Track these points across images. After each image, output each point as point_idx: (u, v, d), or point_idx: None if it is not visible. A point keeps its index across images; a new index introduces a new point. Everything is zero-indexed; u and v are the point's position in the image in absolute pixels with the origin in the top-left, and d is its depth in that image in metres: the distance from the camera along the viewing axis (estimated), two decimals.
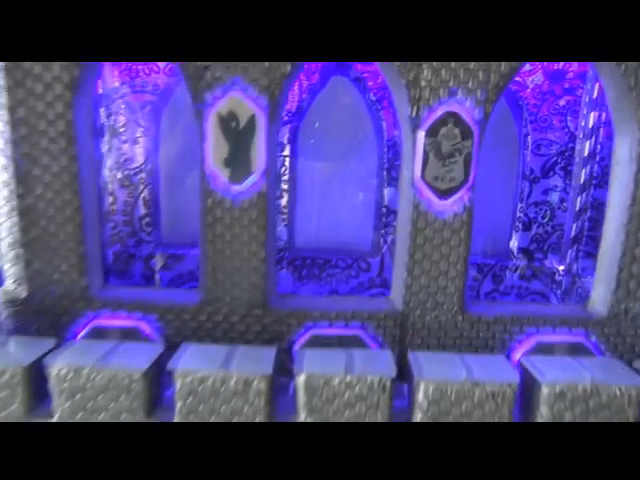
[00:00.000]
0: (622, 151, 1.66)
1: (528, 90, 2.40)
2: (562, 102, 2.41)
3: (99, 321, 1.76)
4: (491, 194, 2.60)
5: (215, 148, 1.60)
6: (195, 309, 1.75)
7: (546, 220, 2.55)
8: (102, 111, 2.36)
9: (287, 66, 1.54)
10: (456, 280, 1.72)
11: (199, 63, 1.53)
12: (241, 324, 1.76)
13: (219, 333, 1.76)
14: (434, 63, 1.54)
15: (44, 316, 1.70)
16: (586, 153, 2.36)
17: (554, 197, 2.55)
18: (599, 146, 2.36)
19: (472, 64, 1.54)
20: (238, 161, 1.61)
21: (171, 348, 1.56)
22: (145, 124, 2.41)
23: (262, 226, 1.67)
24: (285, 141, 2.47)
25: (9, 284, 1.71)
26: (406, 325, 1.76)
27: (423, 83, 1.55)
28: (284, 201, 2.53)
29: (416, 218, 1.66)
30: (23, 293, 1.70)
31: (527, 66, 2.35)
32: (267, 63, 1.53)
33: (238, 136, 1.59)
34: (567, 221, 2.56)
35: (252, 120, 1.58)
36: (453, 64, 1.54)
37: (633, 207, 1.64)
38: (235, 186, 1.64)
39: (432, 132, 1.59)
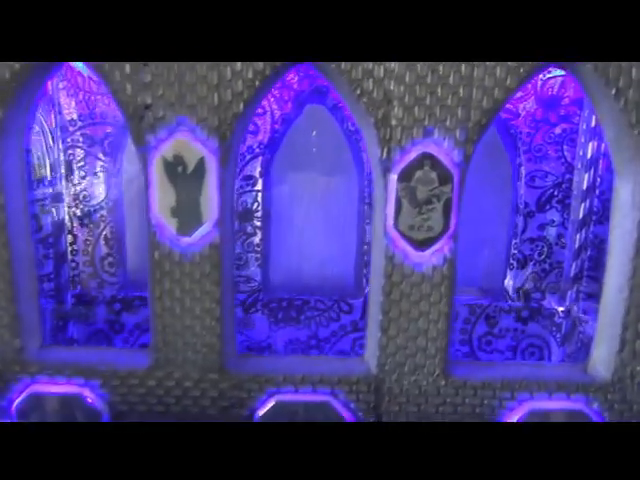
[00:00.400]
0: (623, 195, 1.46)
1: (520, 118, 2.21)
2: (558, 130, 2.22)
3: (37, 387, 1.56)
4: (484, 229, 2.41)
5: (161, 196, 1.42)
6: (144, 373, 1.55)
7: (543, 257, 2.35)
8: (58, 145, 2.19)
9: (239, 105, 1.36)
10: (437, 340, 1.51)
11: (139, 101, 1.35)
12: (195, 390, 1.56)
13: (171, 400, 1.56)
14: (406, 100, 1.35)
15: None
16: (585, 186, 2.16)
17: (551, 232, 2.35)
18: (599, 179, 2.16)
19: (449, 101, 1.35)
20: (187, 210, 1.42)
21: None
22: (105, 158, 2.24)
23: (216, 281, 1.47)
24: (257, 175, 2.28)
25: None
26: (382, 391, 1.55)
27: (394, 122, 1.36)
28: (257, 239, 2.34)
29: (390, 271, 1.46)
30: None
31: (518, 93, 2.16)
32: (216, 102, 1.35)
33: (186, 182, 1.40)
34: (566, 258, 2.35)
35: (201, 164, 1.39)
36: (428, 100, 1.35)
37: (637, 259, 1.44)
38: (184, 238, 1.45)
39: (406, 176, 1.40)
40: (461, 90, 1.35)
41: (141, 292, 2.34)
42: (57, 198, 2.19)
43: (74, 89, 2.15)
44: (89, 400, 1.56)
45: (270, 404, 1.56)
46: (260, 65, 1.34)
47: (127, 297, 2.33)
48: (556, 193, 2.28)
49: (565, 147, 2.23)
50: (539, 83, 2.16)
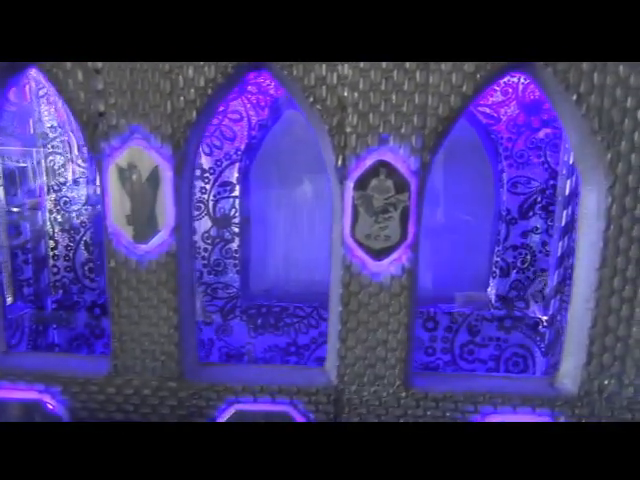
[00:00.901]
0: (589, 204, 1.41)
1: (501, 123, 2.16)
2: (540, 135, 2.17)
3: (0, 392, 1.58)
4: (467, 236, 2.36)
5: (116, 204, 1.42)
6: (103, 380, 1.55)
7: (526, 265, 2.29)
8: (37, 151, 2.22)
9: (192, 113, 1.35)
10: (397, 351, 1.48)
11: (92, 109, 1.35)
12: (154, 398, 1.55)
13: (130, 407, 1.56)
14: (360, 107, 1.33)
15: None
16: (567, 192, 2.11)
17: (535, 240, 2.30)
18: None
19: (404, 108, 1.32)
20: (142, 218, 1.42)
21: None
22: (85, 164, 2.25)
23: (173, 289, 1.47)
24: (234, 181, 2.28)
25: None
26: (341, 402, 1.52)
27: (348, 129, 1.34)
28: (235, 245, 2.33)
29: (348, 281, 1.44)
30: None
31: (497, 96, 2.12)
32: (169, 110, 1.35)
33: (141, 191, 1.40)
34: (550, 266, 2.29)
35: (155, 173, 1.39)
36: (382, 107, 1.33)
37: (602, 269, 1.39)
38: (141, 245, 1.44)
39: (361, 184, 1.38)
40: (416, 97, 1.33)
41: None
42: (37, 204, 2.22)
43: (54, 97, 2.17)
44: (50, 406, 1.56)
45: (230, 413, 1.55)
46: (212, 72, 1.33)
47: (107, 302, 2.35)
48: (539, 199, 2.22)
49: (548, 152, 2.18)
50: (520, 87, 2.12)
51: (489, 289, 2.36)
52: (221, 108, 2.16)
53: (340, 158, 1.37)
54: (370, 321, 1.47)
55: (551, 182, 2.23)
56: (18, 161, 2.10)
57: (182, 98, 1.35)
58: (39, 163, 2.21)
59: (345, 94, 1.33)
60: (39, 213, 2.23)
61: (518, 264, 2.28)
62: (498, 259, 2.29)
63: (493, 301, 2.34)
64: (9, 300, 2.18)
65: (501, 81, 2.07)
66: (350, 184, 1.38)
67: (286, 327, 2.37)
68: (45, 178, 2.26)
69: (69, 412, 1.57)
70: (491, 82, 1.36)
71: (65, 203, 2.29)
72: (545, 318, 2.32)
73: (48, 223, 2.32)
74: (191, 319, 1.57)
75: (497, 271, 2.30)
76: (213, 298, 2.35)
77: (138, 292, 1.48)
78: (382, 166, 1.37)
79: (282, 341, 2.39)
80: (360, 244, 1.42)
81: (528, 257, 2.28)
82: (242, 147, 2.22)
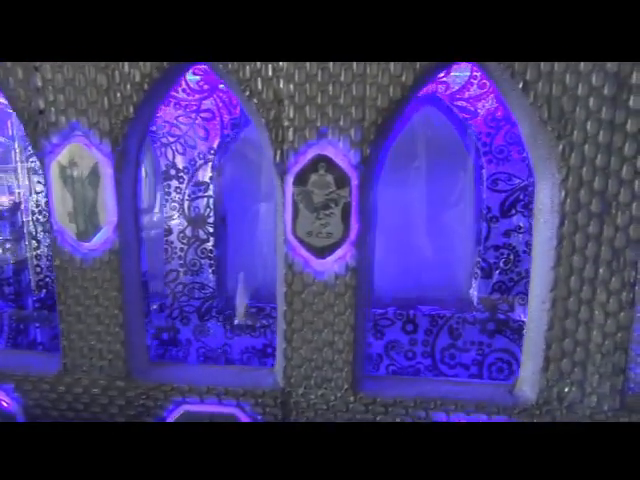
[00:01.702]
0: (543, 199, 1.33)
1: (479, 117, 2.08)
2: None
3: None
4: (447, 235, 2.29)
5: (58, 201, 1.42)
6: (54, 378, 1.55)
7: (509, 266, 2.20)
8: (17, 152, 2.26)
9: (129, 109, 1.34)
10: (344, 353, 1.43)
11: (33, 106, 1.36)
12: (103, 397, 1.54)
13: (80, 406, 1.56)
14: (296, 99, 1.29)
15: None
16: None
17: (518, 239, 2.20)
18: None
19: (342, 99, 1.28)
20: (84, 215, 1.41)
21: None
22: None
23: (117, 287, 1.46)
24: (208, 180, 2.27)
25: None
26: (288, 405, 1.48)
27: (286, 123, 1.30)
28: (210, 245, 2.32)
29: (291, 279, 1.40)
30: None
31: (474, 89, 2.04)
32: (107, 105, 1.34)
33: (82, 188, 1.40)
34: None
35: (95, 169, 1.38)
36: (319, 99, 1.29)
37: (557, 268, 1.30)
38: (84, 243, 1.44)
39: (301, 180, 1.33)
40: (354, 88, 1.28)
41: None
42: (16, 205, 2.26)
43: None
44: (4, 404, 1.58)
45: (178, 414, 1.52)
46: (147, 68, 1.32)
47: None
48: (522, 197, 2.13)
49: None
50: None
51: (470, 290, 2.27)
52: (194, 107, 2.16)
53: (278, 153, 1.33)
54: (315, 321, 1.42)
55: (533, 179, 2.13)
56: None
57: (119, 94, 1.34)
58: (21, 165, 2.26)
59: (281, 86, 1.29)
60: (19, 213, 2.27)
61: (501, 265, 2.18)
62: (479, 259, 2.20)
63: (475, 303, 2.25)
64: None
65: (476, 73, 1.99)
66: (290, 179, 1.34)
67: (262, 328, 2.34)
68: (26, 179, 2.30)
69: (23, 410, 1.58)
70: (433, 73, 1.30)
71: (46, 204, 2.32)
72: None
73: (30, 224, 2.36)
74: (139, 318, 1.56)
75: (479, 272, 2.21)
76: (190, 298, 2.34)
77: (84, 290, 1.47)
78: (321, 160, 1.32)
79: (259, 342, 2.36)
80: (302, 241, 1.38)
81: (511, 257, 2.18)
82: (215, 146, 2.21)
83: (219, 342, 2.38)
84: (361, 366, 1.48)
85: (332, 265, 1.38)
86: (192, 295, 2.35)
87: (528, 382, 1.42)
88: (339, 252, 1.37)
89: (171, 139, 2.21)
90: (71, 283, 1.47)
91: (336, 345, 1.43)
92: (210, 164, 2.23)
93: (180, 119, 2.19)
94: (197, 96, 2.17)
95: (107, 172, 1.39)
